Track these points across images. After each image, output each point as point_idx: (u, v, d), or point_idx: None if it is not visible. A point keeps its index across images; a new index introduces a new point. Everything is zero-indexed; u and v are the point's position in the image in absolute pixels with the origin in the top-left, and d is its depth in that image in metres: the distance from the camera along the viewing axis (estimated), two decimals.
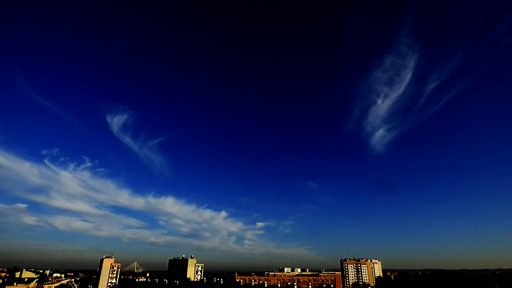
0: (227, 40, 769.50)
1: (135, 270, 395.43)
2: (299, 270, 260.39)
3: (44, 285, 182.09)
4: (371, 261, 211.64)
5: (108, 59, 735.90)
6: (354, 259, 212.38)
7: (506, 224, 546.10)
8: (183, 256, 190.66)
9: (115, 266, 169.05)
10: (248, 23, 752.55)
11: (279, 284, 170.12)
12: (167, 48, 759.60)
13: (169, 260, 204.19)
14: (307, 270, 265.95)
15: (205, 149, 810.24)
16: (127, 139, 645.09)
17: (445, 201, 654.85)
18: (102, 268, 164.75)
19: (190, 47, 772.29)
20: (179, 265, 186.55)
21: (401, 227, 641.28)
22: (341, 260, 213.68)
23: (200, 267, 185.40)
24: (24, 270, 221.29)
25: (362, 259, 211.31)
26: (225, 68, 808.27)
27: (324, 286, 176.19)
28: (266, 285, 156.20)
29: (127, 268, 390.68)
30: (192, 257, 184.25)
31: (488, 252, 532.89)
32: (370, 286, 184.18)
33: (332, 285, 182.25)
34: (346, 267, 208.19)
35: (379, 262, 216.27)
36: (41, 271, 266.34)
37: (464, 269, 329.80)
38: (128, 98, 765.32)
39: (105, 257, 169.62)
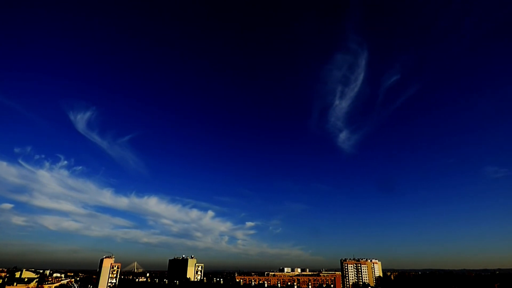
0: (191, 34, 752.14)
1: (135, 270, 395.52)
2: (299, 270, 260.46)
3: (44, 285, 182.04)
4: (371, 261, 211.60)
5: (67, 55, 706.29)
6: (354, 259, 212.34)
7: (506, 224, 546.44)
8: (183, 256, 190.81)
9: (115, 266, 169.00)
10: (214, 22, 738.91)
11: (279, 284, 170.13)
12: (128, 41, 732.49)
13: (169, 260, 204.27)
14: (307, 270, 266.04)
15: (180, 146, 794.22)
16: (94, 137, 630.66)
17: (445, 201, 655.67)
18: (102, 268, 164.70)
19: (153, 40, 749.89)
20: (179, 265, 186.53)
21: (401, 227, 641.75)
22: (341, 260, 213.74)
23: (200, 267, 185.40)
24: (24, 270, 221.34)
25: (362, 259, 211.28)
26: (198, 62, 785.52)
27: (324, 286, 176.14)
28: (266, 285, 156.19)
29: (127, 268, 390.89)
30: (192, 257, 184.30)
31: (488, 252, 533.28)
32: (370, 286, 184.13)
33: (332, 285, 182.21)
34: (346, 267, 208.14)
35: (379, 262, 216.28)
36: (41, 271, 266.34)
37: (464, 269, 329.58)
38: (91, 94, 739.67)
39: (105, 257, 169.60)
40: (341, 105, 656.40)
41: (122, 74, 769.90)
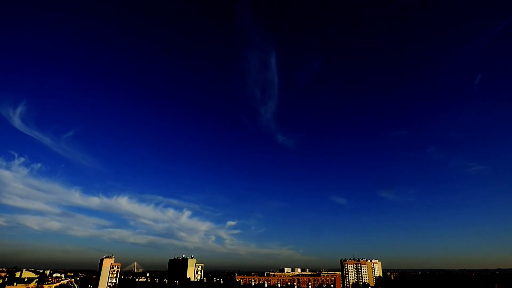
0: (132, 28, 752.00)
1: (135, 270, 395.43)
2: (299, 270, 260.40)
3: (44, 285, 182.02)
4: (371, 261, 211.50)
5: None
6: (354, 259, 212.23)
7: (506, 224, 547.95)
8: (183, 256, 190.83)
9: (115, 266, 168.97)
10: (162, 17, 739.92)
11: (279, 284, 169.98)
12: (57, 31, 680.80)
13: (169, 260, 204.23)
14: (307, 270, 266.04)
15: (128, 141, 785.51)
16: (34, 133, 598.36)
17: (445, 201, 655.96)
18: (102, 268, 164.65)
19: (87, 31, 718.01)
20: (179, 265, 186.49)
21: (401, 227, 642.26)
22: (341, 260, 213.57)
23: (200, 267, 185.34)
24: (24, 270, 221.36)
25: (362, 259, 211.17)
26: (144, 52, 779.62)
27: (324, 286, 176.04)
28: (266, 285, 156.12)
29: (127, 268, 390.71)
30: (192, 257, 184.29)
31: (488, 252, 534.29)
32: (370, 286, 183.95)
33: (332, 285, 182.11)
34: (346, 267, 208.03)
35: (379, 262, 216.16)
36: (41, 271, 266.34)
37: (464, 269, 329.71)
38: (18, 86, 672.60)
39: (105, 257, 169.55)
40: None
41: (54, 64, 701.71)
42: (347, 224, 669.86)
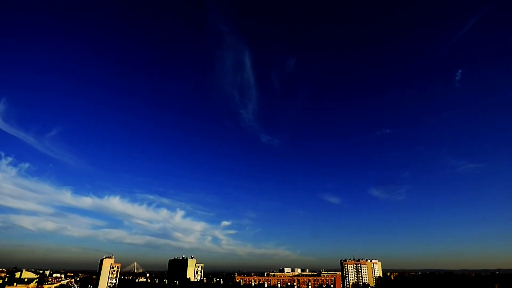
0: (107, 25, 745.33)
1: (135, 270, 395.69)
2: (299, 270, 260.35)
3: (44, 285, 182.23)
4: (371, 261, 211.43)
5: None
6: (354, 259, 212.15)
7: (506, 224, 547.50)
8: (183, 256, 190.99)
9: (115, 267, 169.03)
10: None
11: (279, 284, 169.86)
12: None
13: (169, 260, 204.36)
14: (307, 270, 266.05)
15: (116, 140, 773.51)
16: (16, 132, 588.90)
17: (444, 201, 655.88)
18: (102, 268, 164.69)
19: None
20: (179, 265, 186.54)
21: (401, 227, 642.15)
22: (341, 260, 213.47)
23: (200, 267, 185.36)
24: (24, 270, 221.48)
25: (362, 259, 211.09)
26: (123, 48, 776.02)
27: (324, 286, 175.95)
28: (266, 285, 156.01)
29: (127, 269, 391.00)
30: (192, 257, 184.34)
31: (488, 252, 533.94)
32: (370, 286, 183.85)
33: (332, 286, 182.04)
34: (346, 267, 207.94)
35: (379, 262, 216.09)
36: (41, 271, 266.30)
37: (464, 269, 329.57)
38: (1, 86, 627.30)
39: (105, 257, 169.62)
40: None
41: (33, 61, 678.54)
42: (339, 223, 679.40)
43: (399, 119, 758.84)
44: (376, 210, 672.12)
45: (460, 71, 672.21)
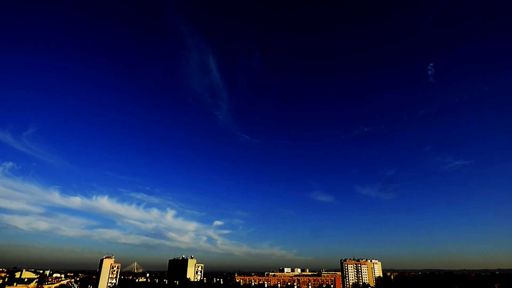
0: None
1: (135, 271, 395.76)
2: (299, 270, 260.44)
3: (44, 285, 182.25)
4: (371, 261, 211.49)
5: None
6: (354, 259, 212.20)
7: (506, 224, 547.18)
8: (183, 256, 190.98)
9: (115, 267, 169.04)
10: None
11: (279, 284, 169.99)
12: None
13: (169, 260, 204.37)
14: (307, 270, 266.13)
15: (96, 137, 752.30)
16: None
17: (445, 201, 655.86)
18: (102, 269, 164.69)
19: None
20: (179, 265, 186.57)
21: (401, 227, 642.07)
22: (341, 260, 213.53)
23: (200, 267, 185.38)
24: (24, 270, 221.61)
25: (362, 259, 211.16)
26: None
27: (324, 286, 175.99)
28: (266, 285, 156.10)
29: (127, 269, 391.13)
30: (192, 257, 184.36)
31: (488, 252, 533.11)
32: (370, 286, 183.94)
33: (332, 286, 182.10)
34: (346, 267, 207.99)
35: (379, 262, 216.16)
36: (41, 271, 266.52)
37: (464, 269, 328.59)
38: None
39: (105, 258, 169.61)
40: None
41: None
42: (330, 222, 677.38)
43: (376, 117, 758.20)
44: (365, 208, 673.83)
45: (431, 64, 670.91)
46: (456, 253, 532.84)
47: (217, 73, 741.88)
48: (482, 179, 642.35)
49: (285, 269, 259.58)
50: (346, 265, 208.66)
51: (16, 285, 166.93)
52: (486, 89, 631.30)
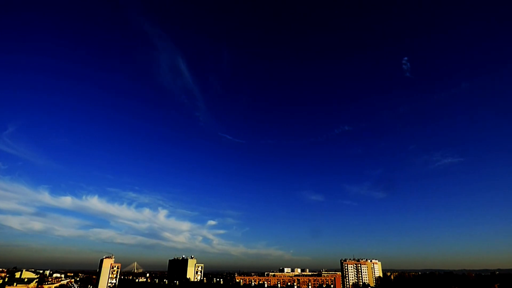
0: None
1: (135, 271, 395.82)
2: (299, 270, 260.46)
3: (44, 285, 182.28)
4: (371, 261, 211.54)
5: None
6: (354, 259, 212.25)
7: (506, 224, 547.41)
8: (183, 256, 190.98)
9: (115, 267, 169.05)
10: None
11: (279, 285, 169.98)
12: None
13: (169, 260, 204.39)
14: (307, 270, 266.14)
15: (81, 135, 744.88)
16: None
17: (445, 201, 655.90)
18: (102, 269, 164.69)
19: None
20: (179, 265, 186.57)
21: (401, 227, 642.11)
22: (341, 260, 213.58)
23: (200, 267, 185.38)
24: (24, 270, 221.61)
25: (362, 259, 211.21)
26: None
27: (324, 286, 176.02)
28: (266, 285, 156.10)
29: (127, 269, 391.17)
30: (192, 257, 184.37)
31: (488, 252, 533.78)
32: (370, 286, 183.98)
33: (332, 286, 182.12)
34: (346, 267, 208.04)
35: (379, 262, 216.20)
36: (41, 271, 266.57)
37: (464, 269, 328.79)
38: None
39: (105, 258, 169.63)
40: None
41: None
42: (317, 221, 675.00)
43: (356, 115, 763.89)
44: (353, 208, 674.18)
45: (406, 58, 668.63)
46: (456, 253, 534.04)
47: (188, 74, 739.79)
48: (481, 178, 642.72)
49: (285, 269, 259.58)
50: (346, 265, 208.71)
51: (16, 285, 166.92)
52: (463, 86, 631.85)
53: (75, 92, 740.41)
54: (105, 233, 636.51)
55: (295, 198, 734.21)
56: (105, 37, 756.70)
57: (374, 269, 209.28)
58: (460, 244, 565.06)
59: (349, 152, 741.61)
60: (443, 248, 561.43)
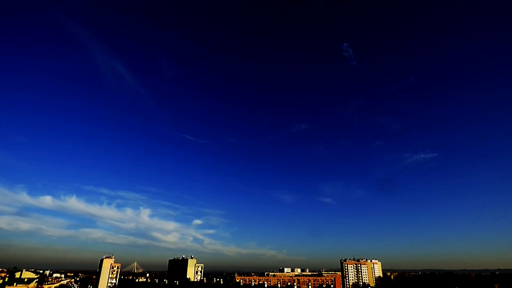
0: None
1: (135, 271, 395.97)
2: (299, 270, 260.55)
3: (44, 286, 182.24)
4: (371, 261, 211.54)
5: None
6: (354, 259, 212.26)
7: (506, 224, 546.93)
8: (183, 256, 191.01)
9: (115, 267, 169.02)
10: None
11: (279, 284, 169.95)
12: None
13: (169, 260, 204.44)
14: (307, 270, 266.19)
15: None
16: None
17: (445, 201, 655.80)
18: (102, 269, 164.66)
19: None
20: (179, 265, 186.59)
21: (401, 227, 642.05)
22: (341, 260, 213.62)
23: (200, 267, 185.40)
24: (24, 270, 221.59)
25: (362, 259, 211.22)
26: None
27: (324, 286, 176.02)
28: (266, 286, 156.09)
29: (127, 269, 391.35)
30: (192, 257, 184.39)
31: (488, 252, 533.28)
32: (370, 286, 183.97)
33: (332, 286, 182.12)
34: (346, 267, 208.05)
35: (379, 262, 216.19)
36: (41, 271, 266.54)
37: (464, 269, 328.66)
38: None
39: (105, 257, 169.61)
40: None
41: None
42: (291, 222, 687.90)
43: (311, 113, 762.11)
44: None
45: (345, 44, 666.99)
46: (456, 253, 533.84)
47: (131, 78, 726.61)
48: (481, 178, 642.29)
49: (285, 269, 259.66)
50: (346, 265, 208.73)
51: (16, 285, 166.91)
52: (412, 79, 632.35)
53: (36, 86, 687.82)
54: (95, 233, 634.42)
55: (269, 197, 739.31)
56: (37, 39, 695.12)
57: (374, 269, 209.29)
58: (460, 244, 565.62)
59: (311, 149, 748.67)
60: (443, 248, 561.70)
